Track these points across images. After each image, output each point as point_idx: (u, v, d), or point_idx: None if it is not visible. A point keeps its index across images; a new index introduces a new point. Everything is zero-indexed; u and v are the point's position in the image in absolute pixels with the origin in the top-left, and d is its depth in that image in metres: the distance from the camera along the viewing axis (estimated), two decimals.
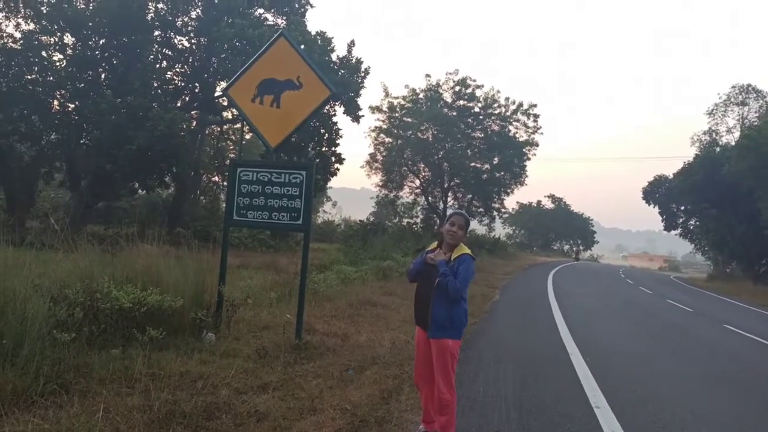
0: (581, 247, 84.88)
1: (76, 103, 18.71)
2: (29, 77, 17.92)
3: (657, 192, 45.59)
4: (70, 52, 18.55)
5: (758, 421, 5.89)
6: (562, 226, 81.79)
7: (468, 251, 4.08)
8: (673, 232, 47.77)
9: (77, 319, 4.99)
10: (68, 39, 18.53)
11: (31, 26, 18.14)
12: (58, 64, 18.56)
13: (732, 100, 41.83)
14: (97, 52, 18.87)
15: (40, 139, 19.02)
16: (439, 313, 3.96)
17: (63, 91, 18.71)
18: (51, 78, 18.10)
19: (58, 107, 19.01)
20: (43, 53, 18.11)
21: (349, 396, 4.97)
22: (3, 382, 3.84)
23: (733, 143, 36.98)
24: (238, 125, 26.18)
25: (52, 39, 18.25)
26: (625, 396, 6.13)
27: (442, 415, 4.00)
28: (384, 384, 5.49)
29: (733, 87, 42.11)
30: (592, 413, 5.29)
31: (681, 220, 46.24)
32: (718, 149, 38.98)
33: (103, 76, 19.21)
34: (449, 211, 40.49)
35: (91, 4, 18.38)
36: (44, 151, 19.50)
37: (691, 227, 46.03)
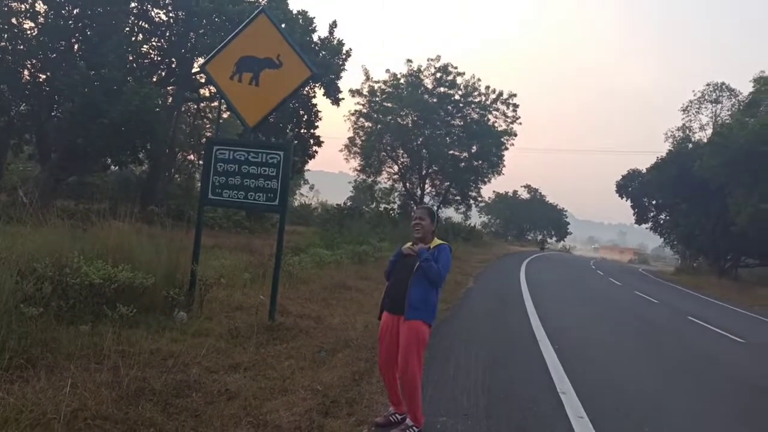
0: (552, 238, 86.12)
1: (48, 73, 18.14)
2: None
3: (630, 186, 46.41)
4: (42, 20, 17.91)
5: (715, 408, 6.11)
6: (537, 217, 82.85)
7: (442, 241, 4.24)
8: (643, 226, 48.80)
9: (45, 293, 4.91)
10: (40, 6, 17.88)
11: None
12: (29, 32, 17.92)
13: (706, 97, 42.62)
14: (70, 22, 18.24)
15: (9, 109, 18.44)
16: (416, 296, 4.03)
17: (34, 61, 18.10)
18: (21, 47, 17.49)
19: (28, 77, 18.40)
20: (14, 20, 17.46)
21: (321, 377, 5.00)
22: None
23: (705, 140, 37.77)
24: (216, 103, 25.75)
25: (23, 6, 17.58)
26: (591, 383, 6.29)
27: (409, 398, 4.06)
28: (355, 366, 5.54)
29: (708, 85, 42.96)
30: (558, 399, 5.42)
31: (652, 214, 47.20)
32: (690, 146, 39.76)
33: (76, 47, 18.62)
34: (426, 198, 40.75)
35: None
36: (13, 123, 18.92)
37: (662, 221, 47.05)
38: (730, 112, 39.95)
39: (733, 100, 41.11)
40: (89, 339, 4.77)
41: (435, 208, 5.23)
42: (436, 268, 4.02)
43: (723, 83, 41.99)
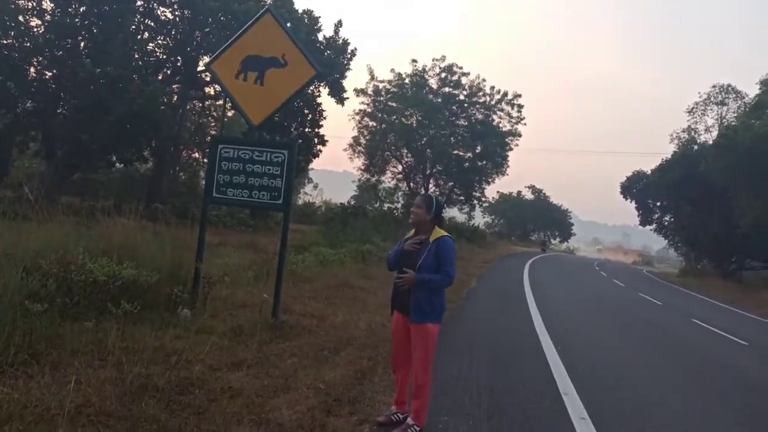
0: (556, 238, 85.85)
1: (54, 71, 18.22)
2: (5, 42, 17.35)
3: (634, 187, 46.20)
4: (48, 18, 17.98)
5: (718, 411, 6.10)
6: (540, 217, 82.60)
7: (445, 233, 4.08)
8: (648, 227, 48.58)
9: (50, 290, 4.93)
10: (47, 4, 17.96)
11: None
12: (35, 29, 18.00)
13: (712, 99, 42.44)
14: (76, 20, 18.31)
15: (16, 106, 18.52)
16: (421, 299, 3.98)
17: (40, 58, 18.18)
18: (28, 44, 17.57)
19: (34, 74, 18.48)
20: (21, 18, 17.53)
21: (324, 375, 5.01)
22: None
23: (710, 142, 37.60)
24: (220, 101, 25.80)
25: (30, 3, 17.67)
26: (593, 384, 6.29)
27: (417, 398, 4.05)
28: (358, 365, 5.55)
29: (714, 86, 42.70)
30: (561, 400, 5.41)
31: (656, 215, 46.96)
32: (696, 147, 39.60)
33: (82, 44, 18.69)
34: None
35: None
36: (19, 119, 19.01)
37: (666, 223, 46.84)
38: (735, 114, 39.77)
39: (739, 102, 40.93)
40: (93, 335, 4.78)
41: (436, 196, 5.17)
42: (437, 278, 3.90)
43: (729, 85, 41.84)
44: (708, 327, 13.48)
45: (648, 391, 6.33)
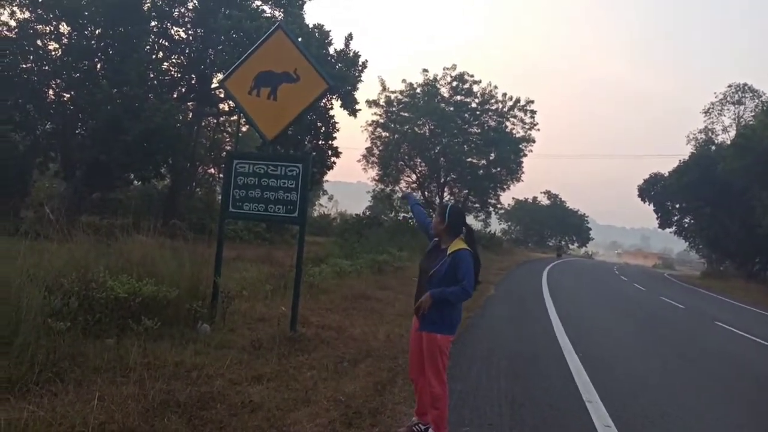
0: (574, 243, 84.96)
1: (72, 92, 18.61)
2: (24, 66, 17.79)
3: (652, 190, 45.70)
4: (65, 41, 18.41)
5: (744, 415, 5.96)
6: (557, 223, 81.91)
7: (465, 246, 4.00)
8: (667, 230, 47.94)
9: (72, 308, 5.00)
10: (64, 28, 18.39)
11: (27, 15, 17.99)
12: (53, 53, 18.44)
13: (728, 99, 41.95)
14: (93, 42, 18.73)
15: (35, 128, 18.92)
16: (432, 309, 3.97)
17: (58, 81, 18.60)
18: (46, 67, 17.99)
19: (53, 97, 18.90)
20: (39, 42, 17.97)
21: (343, 388, 5.01)
22: None
23: (728, 142, 37.11)
24: (235, 117, 26.08)
25: (47, 28, 18.12)
26: (617, 390, 6.19)
27: (434, 409, 4.03)
28: (378, 376, 5.53)
29: (730, 86, 42.23)
30: (584, 407, 5.34)
31: (675, 218, 46.36)
32: (713, 148, 39.10)
33: (99, 66, 19.08)
34: None
35: None
36: (39, 141, 19.41)
37: (686, 225, 46.19)
38: (753, 113, 39.23)
39: (756, 101, 40.41)
40: (115, 352, 4.84)
41: (452, 204, 5.12)
42: (454, 292, 3.86)
43: (745, 84, 41.39)
44: (732, 329, 13.23)
45: (672, 396, 6.22)
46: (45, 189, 23.48)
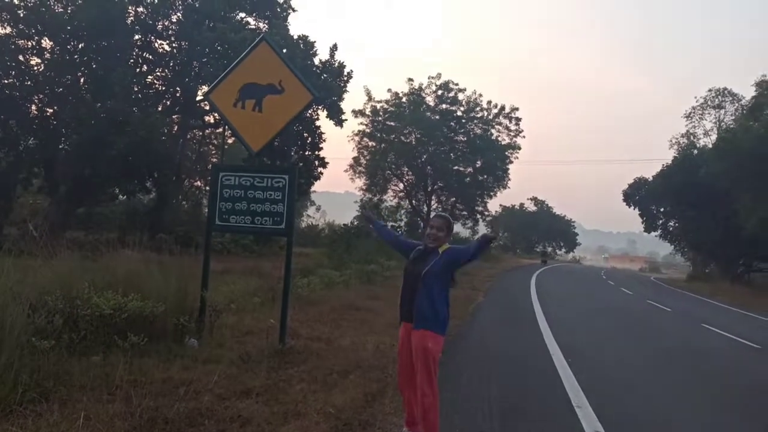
0: (561, 249, 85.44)
1: (55, 107, 18.47)
2: (6, 81, 17.63)
3: (637, 194, 46.22)
4: (48, 56, 18.29)
5: (734, 420, 6.01)
6: (544, 229, 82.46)
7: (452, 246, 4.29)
8: (653, 234, 48.48)
9: (57, 326, 4.94)
10: (46, 43, 18.27)
11: (8, 30, 17.86)
12: (35, 68, 18.29)
13: (709, 103, 42.65)
14: (75, 56, 18.61)
15: (18, 144, 18.73)
16: (424, 306, 4.03)
17: (41, 96, 18.45)
18: (28, 82, 17.84)
19: (36, 112, 18.73)
20: (21, 57, 17.83)
21: (333, 400, 4.98)
22: None
23: (710, 146, 37.67)
24: (220, 129, 25.99)
25: (29, 43, 17.99)
26: (606, 395, 6.22)
27: (426, 418, 4.01)
28: (368, 387, 5.50)
29: (710, 90, 42.96)
30: (574, 413, 5.35)
31: (660, 221, 46.91)
32: (695, 152, 39.66)
33: (82, 80, 18.97)
34: (432, 215, 40.76)
35: (69, 8, 18.15)
36: (22, 157, 19.19)
37: (671, 228, 46.75)
38: (733, 117, 39.90)
39: (736, 104, 41.11)
40: (101, 370, 4.78)
41: (448, 216, 5.26)
42: (472, 244, 4.19)
43: (725, 88, 42.10)
44: (718, 331, 13.36)
45: (661, 400, 6.26)
46: (29, 205, 23.20)
